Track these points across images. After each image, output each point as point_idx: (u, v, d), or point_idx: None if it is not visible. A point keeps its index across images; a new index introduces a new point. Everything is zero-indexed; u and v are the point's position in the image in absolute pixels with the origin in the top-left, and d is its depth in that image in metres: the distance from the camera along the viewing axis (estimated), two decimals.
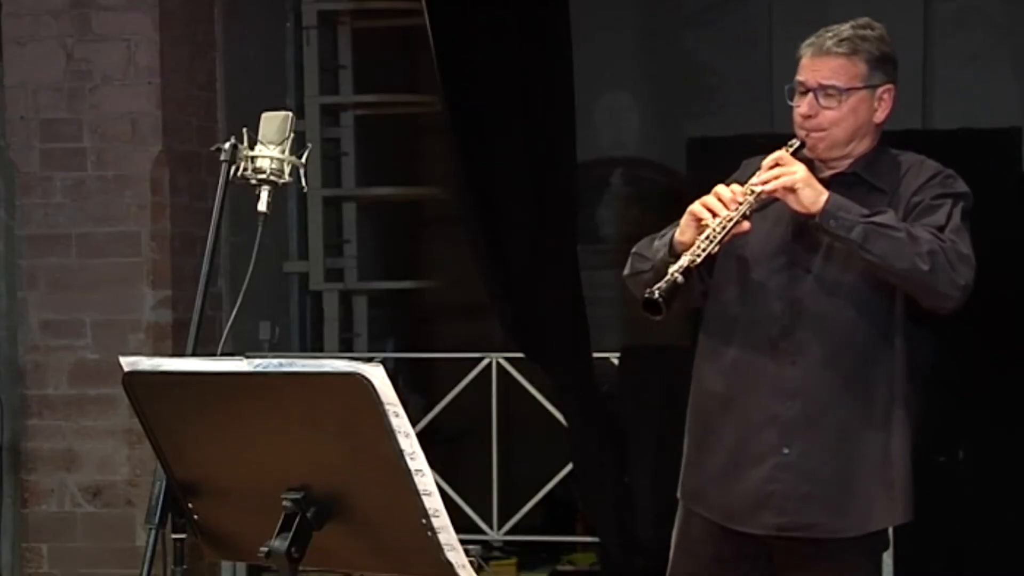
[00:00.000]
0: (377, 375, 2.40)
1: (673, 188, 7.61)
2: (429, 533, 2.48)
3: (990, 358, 6.71)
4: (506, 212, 5.91)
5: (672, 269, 3.19)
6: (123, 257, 6.16)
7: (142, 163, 6.15)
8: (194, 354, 2.83)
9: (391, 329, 8.15)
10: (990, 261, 6.98)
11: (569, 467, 6.27)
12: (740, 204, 3.25)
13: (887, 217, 3.23)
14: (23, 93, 6.23)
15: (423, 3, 5.74)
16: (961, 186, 3.39)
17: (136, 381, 2.62)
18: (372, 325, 7.76)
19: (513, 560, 6.78)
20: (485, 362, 6.40)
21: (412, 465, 2.44)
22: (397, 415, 2.42)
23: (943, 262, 3.20)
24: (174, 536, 2.75)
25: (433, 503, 2.46)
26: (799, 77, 3.39)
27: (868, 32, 3.41)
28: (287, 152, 3.00)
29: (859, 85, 3.36)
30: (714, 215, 3.24)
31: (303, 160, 3.06)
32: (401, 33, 7.89)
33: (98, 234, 6.18)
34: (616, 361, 6.27)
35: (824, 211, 3.21)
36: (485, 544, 6.72)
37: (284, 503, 2.52)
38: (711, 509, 3.49)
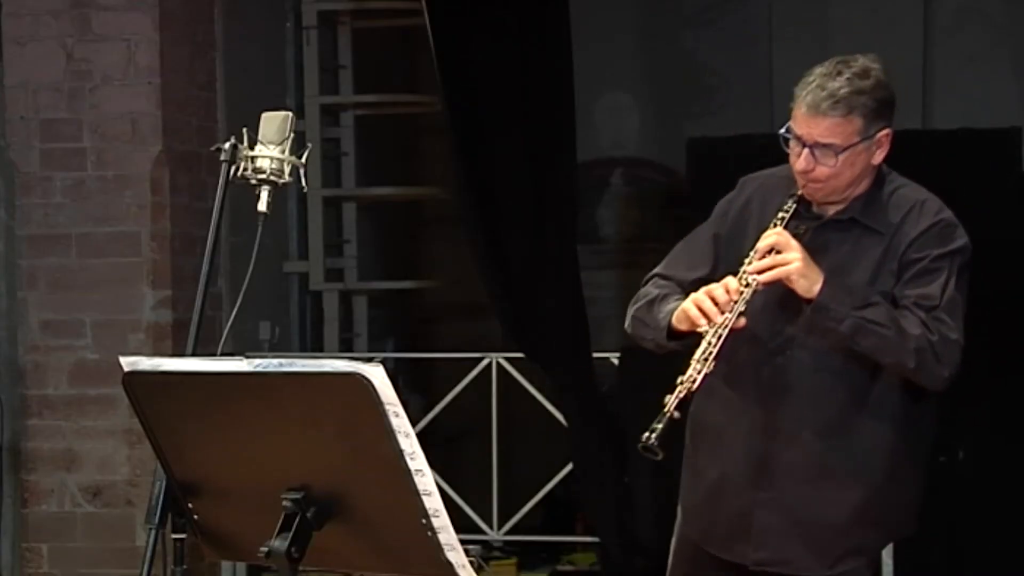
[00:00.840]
0: (377, 375, 2.40)
1: (673, 188, 7.61)
2: (429, 533, 2.48)
3: (990, 358, 6.70)
4: (506, 212, 5.91)
5: (668, 406, 3.18)
6: (123, 257, 6.16)
7: (142, 163, 6.15)
8: (194, 354, 2.83)
9: (391, 329, 8.15)
10: (990, 261, 6.99)
11: (569, 467, 6.27)
12: (735, 303, 3.24)
13: (878, 312, 3.22)
14: (23, 93, 6.23)
15: (423, 3, 5.74)
16: (960, 237, 3.37)
17: (136, 381, 2.62)
18: (372, 325, 7.75)
19: (513, 560, 6.78)
20: (485, 362, 6.40)
21: (412, 465, 2.44)
22: (397, 415, 2.42)
23: (929, 359, 3.24)
24: (174, 536, 2.75)
25: (433, 503, 2.46)
26: (795, 128, 3.33)
27: (864, 84, 3.33)
28: (287, 152, 3.00)
29: (856, 141, 3.32)
30: (710, 320, 3.23)
31: (303, 160, 3.06)
32: (401, 33, 7.89)
33: (98, 234, 6.18)
34: (616, 361, 6.27)
35: (817, 304, 3.21)
36: (485, 544, 6.72)
37: (284, 503, 2.52)
38: (695, 531, 3.55)
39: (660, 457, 3.16)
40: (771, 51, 7.78)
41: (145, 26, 6.14)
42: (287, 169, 3.01)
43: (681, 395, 3.18)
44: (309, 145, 3.29)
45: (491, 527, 6.43)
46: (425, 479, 2.45)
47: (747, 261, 3.28)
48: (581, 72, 5.99)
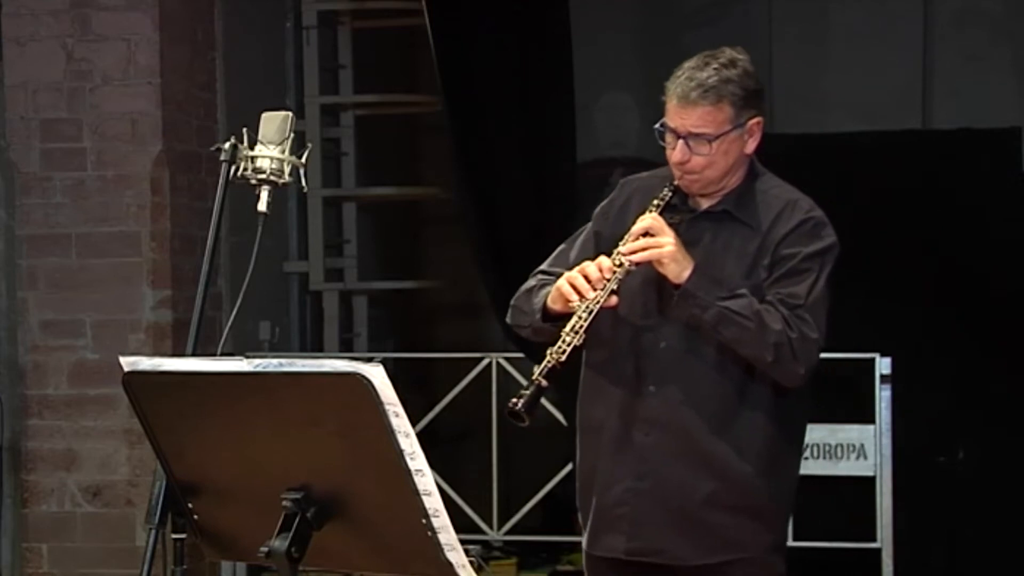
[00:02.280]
0: (377, 375, 2.40)
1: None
2: (429, 533, 2.48)
3: (990, 358, 6.71)
4: (506, 212, 5.91)
5: (536, 373, 3.27)
6: (123, 257, 6.16)
7: (142, 163, 6.16)
8: (194, 354, 2.83)
9: (391, 329, 8.15)
10: (990, 261, 7.02)
11: (569, 467, 6.26)
12: (608, 281, 3.30)
13: (742, 304, 3.28)
14: (23, 93, 6.23)
15: (423, 3, 5.74)
16: (829, 235, 3.44)
17: (136, 381, 2.62)
18: (372, 325, 7.75)
19: (513, 560, 6.78)
20: (485, 362, 6.40)
21: (412, 465, 2.44)
22: (397, 415, 2.42)
23: (787, 355, 3.28)
24: (174, 536, 2.75)
25: (433, 503, 2.46)
26: (668, 121, 3.39)
27: (731, 72, 3.37)
28: (287, 152, 3.00)
29: (728, 129, 3.37)
30: (581, 296, 3.29)
31: (303, 160, 3.06)
32: (401, 33, 7.89)
33: (98, 234, 6.18)
34: None
35: (685, 290, 3.27)
36: (485, 544, 6.72)
37: (284, 503, 2.52)
38: (584, 529, 3.57)
39: (526, 424, 3.24)
40: (771, 51, 7.77)
41: (145, 26, 6.14)
42: (287, 169, 3.01)
43: (549, 365, 3.26)
44: (309, 145, 3.29)
45: (491, 527, 6.43)
46: (425, 479, 2.45)
47: (622, 243, 3.34)
48: (581, 72, 5.99)
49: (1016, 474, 6.63)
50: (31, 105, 6.22)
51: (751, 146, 3.44)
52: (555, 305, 3.38)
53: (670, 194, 3.42)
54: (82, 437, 6.19)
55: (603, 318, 3.35)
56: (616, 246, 3.36)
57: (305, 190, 3.21)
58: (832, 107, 7.67)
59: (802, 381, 3.35)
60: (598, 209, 3.62)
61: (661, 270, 3.30)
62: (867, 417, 5.82)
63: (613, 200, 3.60)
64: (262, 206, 3.00)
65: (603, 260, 3.33)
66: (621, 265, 3.30)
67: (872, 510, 5.82)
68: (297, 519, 2.52)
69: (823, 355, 6.11)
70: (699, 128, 3.35)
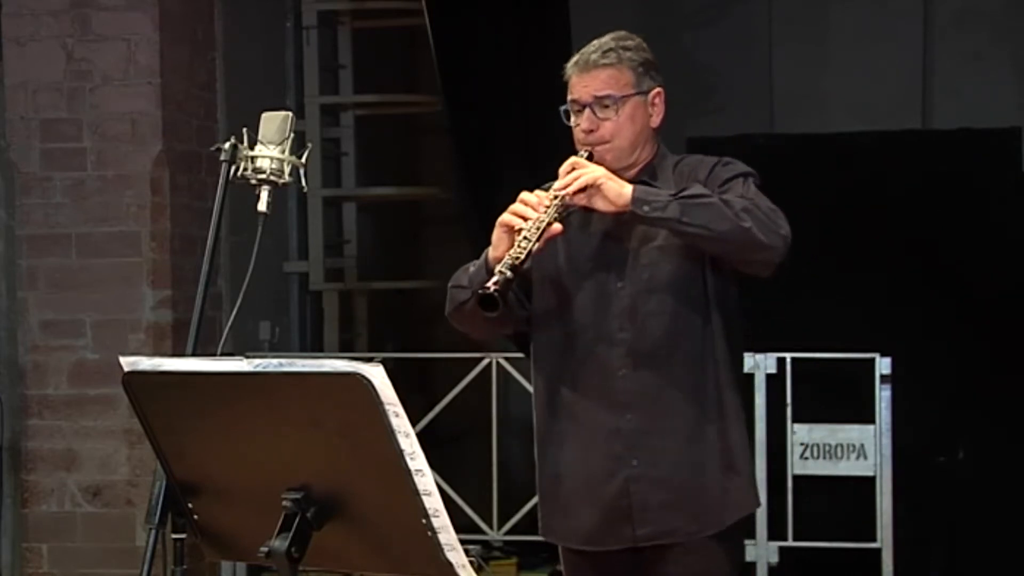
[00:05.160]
0: (377, 375, 2.40)
1: None
2: (429, 533, 2.48)
3: (990, 358, 6.71)
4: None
5: (498, 268, 3.22)
6: (123, 257, 6.16)
7: (142, 163, 6.15)
8: (194, 354, 2.83)
9: (391, 329, 8.15)
10: (990, 260, 7.02)
11: None
12: (548, 207, 3.29)
13: (695, 188, 3.30)
14: (23, 93, 6.23)
15: (423, 3, 5.74)
16: (741, 166, 3.45)
17: (136, 381, 2.61)
18: (372, 325, 7.75)
19: (513, 560, 6.78)
20: (485, 362, 6.40)
21: (412, 465, 2.44)
22: (397, 415, 2.42)
23: (760, 216, 3.26)
24: (174, 536, 2.75)
25: (433, 503, 2.46)
26: (572, 96, 3.42)
27: (628, 43, 3.47)
28: (287, 152, 3.01)
29: (632, 92, 3.41)
30: (525, 219, 3.28)
31: (303, 160, 3.06)
32: (401, 33, 7.89)
33: (98, 234, 6.18)
34: None
35: (634, 199, 3.27)
36: (485, 544, 6.72)
37: (284, 503, 2.52)
38: (569, 536, 3.53)
39: (497, 311, 3.17)
40: (771, 51, 7.77)
41: (145, 26, 6.14)
42: (287, 169, 3.01)
43: (509, 262, 3.20)
44: (309, 145, 3.30)
45: (491, 527, 6.42)
46: (425, 479, 2.45)
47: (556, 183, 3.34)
48: None
49: (1016, 474, 6.63)
50: (31, 105, 6.22)
51: (656, 119, 3.46)
52: (497, 250, 3.33)
53: (585, 155, 3.41)
54: (82, 437, 6.19)
55: (548, 309, 3.36)
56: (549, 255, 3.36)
57: (305, 190, 3.21)
58: (832, 107, 7.67)
59: (786, 247, 3.30)
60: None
61: (601, 203, 3.28)
62: (867, 417, 5.82)
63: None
64: (262, 206, 3.00)
65: (539, 192, 3.34)
66: (558, 196, 3.30)
67: (872, 510, 5.82)
68: (297, 519, 2.51)
69: (823, 355, 6.11)
70: (603, 91, 3.39)
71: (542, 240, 3.25)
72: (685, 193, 3.27)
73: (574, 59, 3.44)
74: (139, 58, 6.15)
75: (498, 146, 5.91)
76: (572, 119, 3.44)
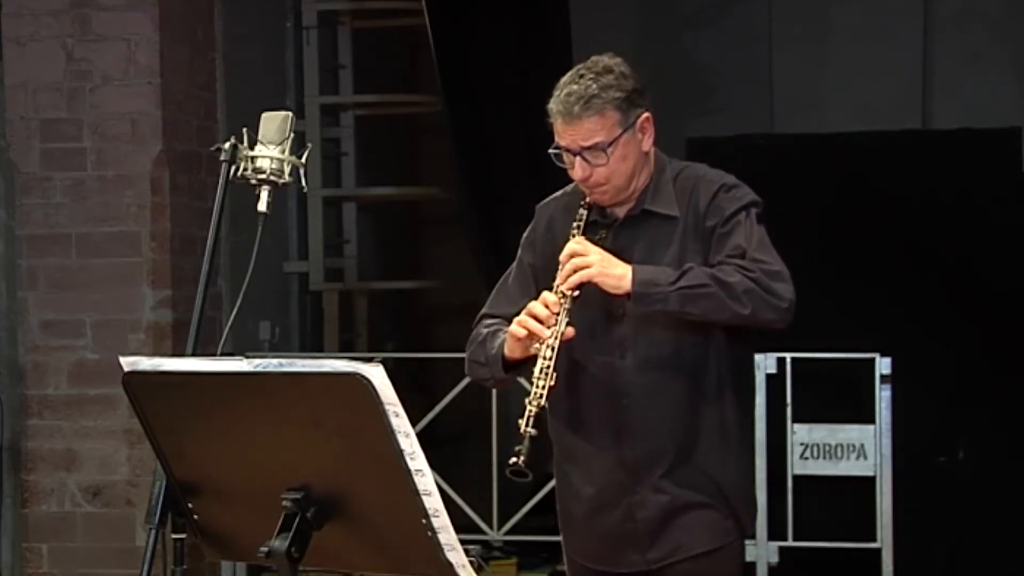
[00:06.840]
0: (377, 375, 2.40)
1: None
2: (429, 533, 2.48)
3: (990, 358, 6.71)
4: (506, 212, 5.91)
5: (524, 427, 3.24)
6: (123, 257, 6.16)
7: (142, 163, 6.16)
8: (194, 354, 2.83)
9: (391, 329, 8.15)
10: (990, 260, 7.01)
11: None
12: (557, 315, 3.28)
13: (695, 276, 3.27)
14: (23, 93, 6.23)
15: (423, 3, 5.75)
16: (746, 193, 3.42)
17: (136, 381, 2.61)
18: (372, 325, 7.76)
19: (513, 560, 6.78)
20: None
21: (412, 465, 2.44)
22: (397, 415, 2.42)
23: (759, 296, 3.26)
24: (174, 536, 2.75)
25: (433, 503, 2.46)
26: (561, 143, 3.39)
27: (608, 79, 3.38)
28: (287, 152, 3.00)
29: (620, 132, 3.37)
30: (538, 337, 3.27)
31: (303, 160, 3.06)
32: (401, 33, 7.90)
33: (98, 234, 6.18)
34: None
35: (634, 292, 3.26)
36: (485, 544, 6.72)
37: (284, 503, 2.52)
38: (577, 552, 3.58)
39: (529, 478, 3.23)
40: (771, 51, 7.78)
41: (145, 26, 6.14)
42: (287, 169, 3.01)
43: (532, 414, 3.23)
44: (309, 145, 3.29)
45: (491, 527, 6.43)
46: (425, 479, 2.45)
47: (557, 276, 3.34)
48: None
49: (1016, 474, 6.63)
50: (31, 105, 6.22)
51: (647, 143, 3.43)
52: (514, 353, 3.36)
53: (586, 212, 3.42)
54: (82, 437, 6.19)
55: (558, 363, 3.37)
56: (551, 272, 3.36)
57: (305, 190, 3.21)
58: (832, 107, 7.67)
59: (790, 315, 3.31)
60: (524, 239, 3.62)
61: (602, 288, 3.29)
62: (867, 417, 5.82)
63: (534, 228, 3.59)
64: (262, 206, 3.00)
65: (547, 295, 3.32)
66: (565, 296, 3.29)
67: (872, 510, 5.82)
68: (297, 519, 2.52)
69: (823, 355, 6.11)
70: (590, 140, 3.34)
71: (558, 355, 3.25)
72: (683, 284, 3.25)
73: (558, 104, 3.37)
74: (139, 58, 6.15)
75: (498, 146, 5.91)
76: (564, 160, 3.40)
